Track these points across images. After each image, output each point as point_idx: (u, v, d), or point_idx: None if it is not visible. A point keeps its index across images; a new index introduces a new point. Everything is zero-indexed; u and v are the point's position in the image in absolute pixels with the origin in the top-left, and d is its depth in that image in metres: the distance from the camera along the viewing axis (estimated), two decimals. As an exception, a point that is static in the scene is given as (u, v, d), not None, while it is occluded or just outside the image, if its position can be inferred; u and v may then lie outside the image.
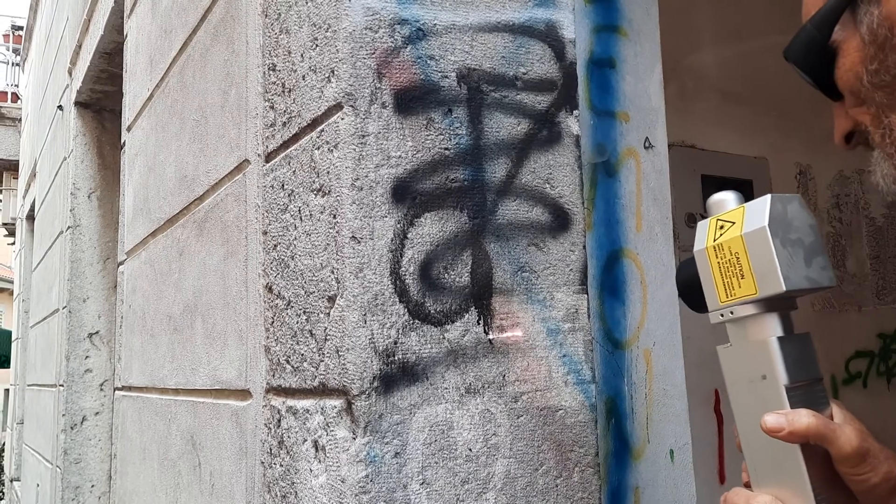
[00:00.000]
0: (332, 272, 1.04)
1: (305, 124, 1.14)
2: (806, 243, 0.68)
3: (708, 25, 2.75)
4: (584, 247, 1.18)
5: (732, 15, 2.76)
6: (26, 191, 6.93)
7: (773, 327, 0.68)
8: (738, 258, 0.68)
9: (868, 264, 3.07)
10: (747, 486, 0.71)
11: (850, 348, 2.98)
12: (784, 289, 0.65)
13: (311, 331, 1.10)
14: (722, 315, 0.71)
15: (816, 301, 2.93)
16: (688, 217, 2.47)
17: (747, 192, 2.75)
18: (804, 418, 0.64)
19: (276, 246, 1.25)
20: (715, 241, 0.70)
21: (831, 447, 0.65)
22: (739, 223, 0.69)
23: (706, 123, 2.62)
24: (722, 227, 0.70)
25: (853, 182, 3.04)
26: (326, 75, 1.08)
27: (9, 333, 10.59)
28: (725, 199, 0.72)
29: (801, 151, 2.90)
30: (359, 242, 1.01)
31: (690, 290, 0.74)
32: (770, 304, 0.68)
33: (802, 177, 2.96)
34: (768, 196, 0.68)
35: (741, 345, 0.70)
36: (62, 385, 3.86)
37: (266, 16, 1.33)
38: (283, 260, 1.21)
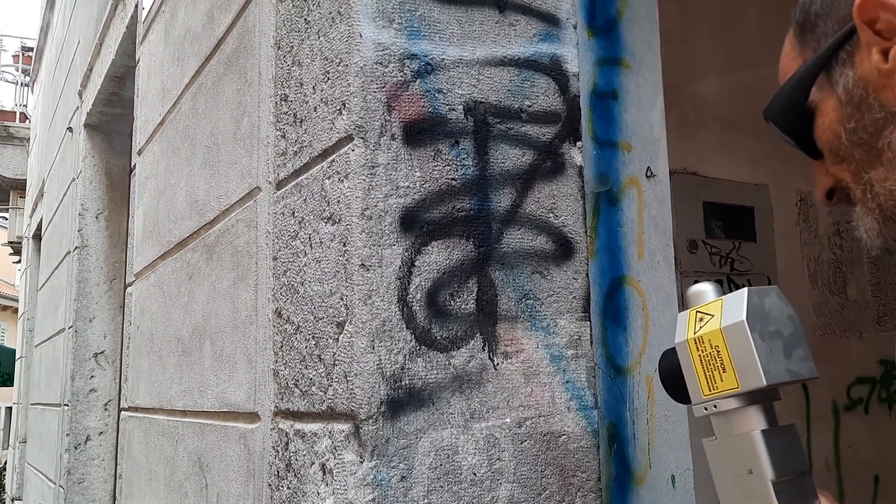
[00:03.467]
0: (342, 298, 1.07)
1: (316, 154, 1.18)
2: (785, 335, 0.69)
3: (709, 55, 2.80)
4: (587, 274, 1.21)
5: (733, 44, 2.80)
6: (33, 210, 6.98)
7: (756, 421, 0.70)
8: (718, 351, 0.70)
9: (869, 290, 3.08)
10: None
11: (851, 374, 2.98)
12: (765, 384, 0.67)
13: (319, 356, 1.13)
14: (706, 409, 0.72)
15: (818, 327, 2.95)
16: (689, 244, 2.50)
17: (748, 219, 2.75)
18: None
19: (285, 272, 1.27)
20: (695, 333, 0.72)
21: None
22: (718, 316, 0.70)
23: (708, 151, 2.65)
24: (701, 320, 0.72)
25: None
26: (338, 108, 1.11)
27: (12, 352, 10.60)
28: (704, 291, 0.74)
29: (801, 179, 2.93)
30: (368, 270, 1.04)
31: (673, 382, 0.75)
32: (753, 397, 0.69)
33: (803, 204, 2.98)
34: (745, 290, 0.70)
35: (726, 438, 0.71)
36: (67, 404, 3.87)
37: (279, 48, 1.37)
38: (292, 286, 1.24)
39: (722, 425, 0.72)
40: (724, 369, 0.69)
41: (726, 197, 2.65)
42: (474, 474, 1.06)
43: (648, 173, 1.36)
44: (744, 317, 0.68)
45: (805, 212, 2.99)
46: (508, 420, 1.10)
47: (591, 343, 1.19)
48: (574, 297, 1.18)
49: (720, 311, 0.70)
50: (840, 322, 2.99)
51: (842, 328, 2.99)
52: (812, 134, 0.70)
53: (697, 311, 0.73)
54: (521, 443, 1.10)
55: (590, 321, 1.19)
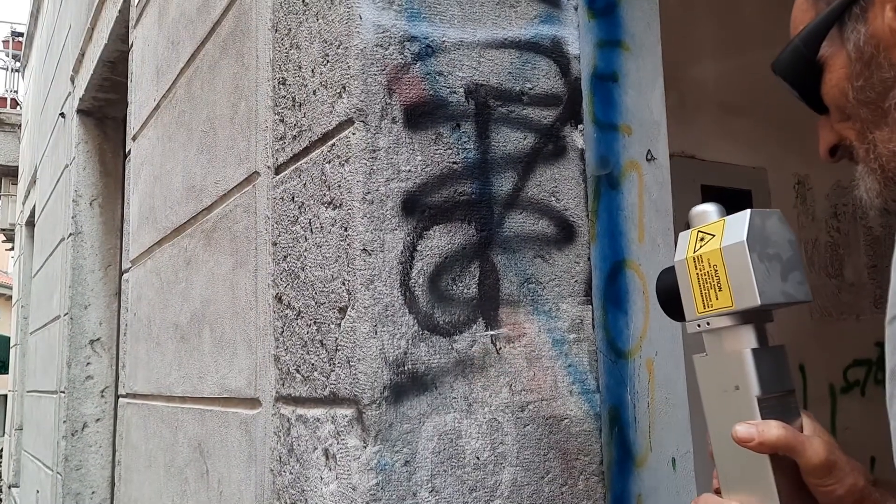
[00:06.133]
0: (343, 283, 1.07)
1: (316, 138, 1.17)
2: (783, 258, 0.69)
3: (708, 38, 2.78)
4: (589, 258, 1.20)
5: (732, 28, 2.78)
6: (26, 197, 6.94)
7: (748, 339, 0.70)
8: (716, 270, 0.70)
9: (866, 273, 3.09)
10: (717, 492, 0.72)
11: (848, 357, 3.00)
12: (759, 303, 0.67)
13: (321, 341, 1.13)
14: (699, 325, 0.72)
15: (815, 310, 2.95)
16: (687, 227, 2.49)
17: (746, 203, 2.75)
18: (774, 430, 0.66)
19: (286, 257, 1.27)
20: (695, 252, 0.72)
21: (799, 459, 0.66)
22: (719, 236, 0.70)
23: (706, 134, 2.64)
24: (702, 239, 0.72)
25: (851, 192, 3.06)
26: (337, 91, 1.10)
27: (7, 339, 10.57)
28: (707, 211, 0.74)
29: (799, 162, 2.93)
30: (369, 255, 1.03)
31: (669, 299, 0.76)
32: (746, 316, 0.70)
33: (801, 187, 2.99)
34: (748, 211, 0.69)
35: (716, 355, 0.72)
36: (63, 391, 3.87)
37: (276, 31, 1.35)
38: (293, 271, 1.24)
39: (713, 342, 0.72)
40: (720, 288, 0.69)
41: (724, 180, 2.64)
42: (477, 458, 1.06)
43: (649, 156, 1.36)
44: (744, 237, 0.68)
45: (803, 195, 2.99)
46: (511, 404, 1.10)
47: (593, 327, 1.19)
48: (576, 280, 1.18)
49: (722, 231, 0.70)
50: (837, 305, 3.00)
51: (839, 311, 2.99)
52: (819, 89, 0.69)
53: (699, 231, 0.73)
54: (524, 427, 1.10)
55: (591, 305, 1.19)
